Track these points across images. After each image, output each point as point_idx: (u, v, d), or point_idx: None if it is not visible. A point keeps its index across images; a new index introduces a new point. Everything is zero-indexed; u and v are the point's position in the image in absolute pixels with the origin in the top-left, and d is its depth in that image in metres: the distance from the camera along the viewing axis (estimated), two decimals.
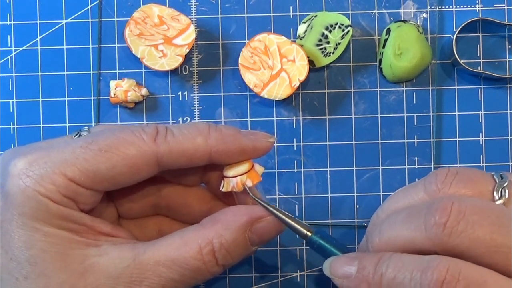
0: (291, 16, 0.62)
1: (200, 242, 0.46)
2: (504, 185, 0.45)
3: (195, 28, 0.62)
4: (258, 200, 0.48)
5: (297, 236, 0.49)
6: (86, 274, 0.44)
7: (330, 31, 0.61)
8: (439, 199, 0.43)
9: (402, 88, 0.62)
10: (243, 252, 0.48)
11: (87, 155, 0.45)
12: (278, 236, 0.53)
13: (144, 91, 0.62)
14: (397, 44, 0.60)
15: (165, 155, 0.46)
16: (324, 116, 0.62)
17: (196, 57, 0.63)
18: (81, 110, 0.62)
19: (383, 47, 0.61)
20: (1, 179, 0.45)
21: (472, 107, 0.62)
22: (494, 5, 0.62)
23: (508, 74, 0.61)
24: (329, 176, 0.62)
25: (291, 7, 0.62)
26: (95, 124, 0.62)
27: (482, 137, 0.62)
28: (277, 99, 0.60)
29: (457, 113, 0.62)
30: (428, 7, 0.62)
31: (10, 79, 0.62)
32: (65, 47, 0.62)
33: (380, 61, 0.61)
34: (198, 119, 0.62)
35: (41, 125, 0.62)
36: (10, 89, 0.62)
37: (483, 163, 0.62)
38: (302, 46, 0.61)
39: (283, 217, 0.48)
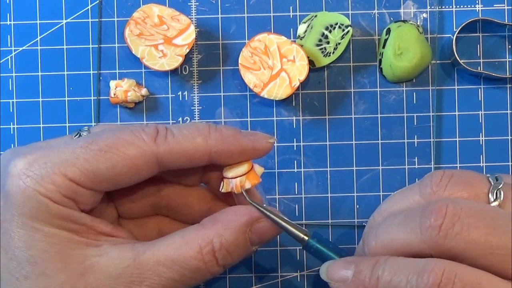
0: (291, 16, 0.62)
1: (200, 242, 0.46)
2: (499, 187, 0.45)
3: (195, 28, 0.62)
4: (254, 205, 0.48)
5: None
6: (86, 274, 0.44)
7: (330, 31, 0.61)
8: (434, 201, 0.43)
9: (402, 88, 0.62)
10: (243, 252, 0.48)
11: (87, 155, 0.45)
12: (278, 236, 0.53)
13: (144, 91, 0.62)
14: (397, 44, 0.60)
15: (165, 155, 0.46)
16: (324, 116, 0.62)
17: (196, 57, 0.63)
18: (81, 110, 0.62)
19: (383, 47, 0.61)
20: (1, 179, 0.45)
21: (472, 107, 0.62)
22: (494, 5, 0.62)
23: (508, 74, 0.61)
24: (329, 176, 0.62)
25: (291, 7, 0.62)
26: (95, 124, 0.62)
27: (482, 137, 0.62)
28: (277, 99, 0.60)
29: (457, 113, 0.62)
30: (428, 7, 0.62)
31: (10, 79, 0.62)
32: (65, 47, 0.62)
33: (380, 61, 0.61)
34: (198, 119, 0.62)
35: (41, 125, 0.62)
36: (10, 89, 0.62)
37: (483, 163, 0.62)
38: (302, 46, 0.61)
39: (280, 221, 0.48)
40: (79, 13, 0.62)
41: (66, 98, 0.62)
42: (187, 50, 0.60)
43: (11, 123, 0.62)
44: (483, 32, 0.62)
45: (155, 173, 0.47)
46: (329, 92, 0.62)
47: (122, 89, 0.61)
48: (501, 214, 0.42)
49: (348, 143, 0.62)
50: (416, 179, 0.62)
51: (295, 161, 0.62)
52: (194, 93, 0.62)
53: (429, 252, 0.42)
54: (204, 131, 0.47)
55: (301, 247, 0.55)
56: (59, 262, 0.44)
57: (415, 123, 0.62)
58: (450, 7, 0.62)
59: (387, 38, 0.61)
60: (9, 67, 0.62)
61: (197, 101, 0.62)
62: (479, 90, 0.62)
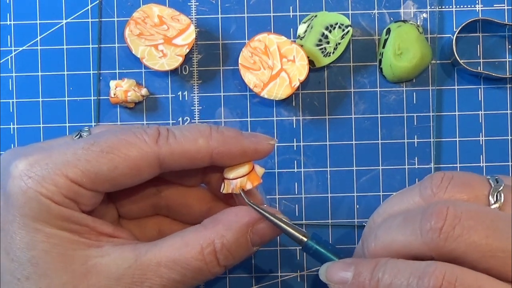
0: (291, 16, 0.62)
1: (201, 242, 0.46)
2: (499, 189, 0.45)
3: (195, 28, 0.62)
4: (253, 206, 0.48)
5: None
6: (88, 275, 0.44)
7: (330, 31, 0.61)
8: (434, 203, 0.43)
9: (402, 88, 0.62)
10: (245, 253, 0.48)
11: (89, 156, 0.44)
12: (278, 237, 0.53)
13: (144, 91, 0.62)
14: (397, 44, 0.60)
15: (166, 156, 0.46)
16: (324, 116, 0.62)
17: (196, 57, 0.63)
18: (81, 110, 0.62)
19: (383, 47, 0.61)
20: (2, 180, 0.45)
21: (472, 107, 0.62)
22: (494, 5, 0.62)
23: (508, 74, 0.61)
24: (329, 176, 0.62)
25: (291, 7, 0.62)
26: (95, 124, 0.62)
27: (482, 137, 0.62)
28: (277, 99, 0.60)
29: (457, 113, 0.62)
30: (428, 7, 0.62)
31: (10, 79, 0.62)
32: (65, 47, 0.62)
33: (380, 61, 0.61)
34: (198, 119, 0.62)
35: (41, 125, 0.62)
36: (10, 89, 0.62)
37: (483, 163, 0.62)
38: (302, 46, 0.61)
39: (278, 222, 0.48)
40: (79, 13, 0.62)
41: (66, 98, 0.62)
42: (187, 50, 0.60)
43: (11, 123, 0.62)
44: (483, 32, 0.62)
45: (157, 174, 0.47)
46: (329, 92, 0.62)
47: (122, 89, 0.61)
48: (501, 216, 0.42)
49: (348, 143, 0.62)
50: (416, 179, 0.62)
51: (295, 161, 0.62)
52: (194, 93, 0.62)
53: (429, 254, 0.42)
54: (205, 133, 0.47)
55: (301, 247, 0.55)
56: (61, 263, 0.44)
57: (415, 123, 0.62)
58: (450, 7, 0.62)
59: (387, 38, 0.61)
60: (9, 67, 0.62)
61: (197, 101, 0.62)
62: (479, 90, 0.62)
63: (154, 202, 0.53)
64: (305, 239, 0.49)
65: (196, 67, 0.62)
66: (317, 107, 0.62)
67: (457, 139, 0.62)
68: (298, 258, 0.62)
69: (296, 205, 0.62)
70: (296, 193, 0.62)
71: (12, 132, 0.62)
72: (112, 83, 0.61)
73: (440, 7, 0.62)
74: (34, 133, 0.62)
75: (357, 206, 0.62)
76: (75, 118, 0.62)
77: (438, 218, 0.42)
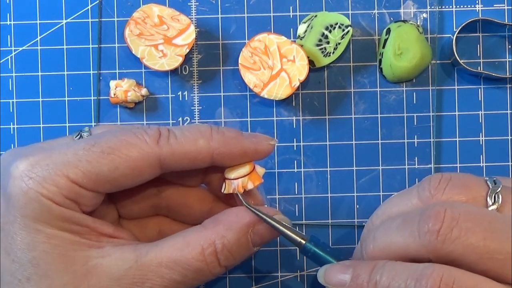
0: (291, 16, 0.62)
1: (202, 243, 0.46)
2: (497, 191, 0.45)
3: (195, 28, 0.62)
4: (252, 209, 0.48)
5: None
6: (89, 276, 0.44)
7: (330, 31, 0.61)
8: (432, 205, 0.43)
9: (402, 88, 0.62)
10: (245, 253, 0.48)
11: (89, 157, 0.44)
12: (278, 237, 0.53)
13: (144, 91, 0.62)
14: (397, 44, 0.60)
15: (167, 157, 0.46)
16: (324, 116, 0.62)
17: (196, 57, 0.63)
18: (81, 110, 0.62)
19: (383, 47, 0.61)
20: (2, 180, 0.45)
21: (472, 107, 0.62)
22: (494, 5, 0.62)
23: (508, 74, 0.61)
24: (329, 176, 0.62)
25: (291, 7, 0.62)
26: (95, 124, 0.62)
27: (482, 137, 0.62)
28: (277, 99, 0.60)
29: (457, 113, 0.62)
30: (428, 7, 0.62)
31: (10, 79, 0.62)
32: (65, 47, 0.62)
33: (380, 61, 0.61)
34: (198, 119, 0.62)
35: (41, 125, 0.62)
36: (10, 89, 0.62)
37: (483, 163, 0.62)
38: (302, 46, 0.61)
39: (277, 225, 0.48)
40: (79, 13, 0.62)
41: (66, 98, 0.62)
42: (187, 50, 0.60)
43: (11, 123, 0.62)
44: (483, 32, 0.62)
45: (157, 174, 0.47)
46: (329, 92, 0.62)
47: (122, 89, 0.61)
48: (499, 218, 0.42)
49: (348, 143, 0.62)
50: (416, 179, 0.62)
51: (295, 161, 0.62)
52: (194, 93, 0.62)
53: (427, 256, 0.42)
54: (206, 133, 0.47)
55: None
56: (61, 264, 0.44)
57: (415, 123, 0.62)
58: (450, 7, 0.62)
59: (387, 38, 0.61)
60: (9, 67, 0.62)
61: (197, 101, 0.62)
62: (479, 90, 0.62)
63: (155, 202, 0.53)
64: (303, 242, 0.49)
65: (196, 67, 0.62)
66: (317, 107, 0.62)
67: (457, 139, 0.62)
68: (298, 258, 0.62)
69: (296, 205, 0.62)
70: (296, 193, 0.62)
71: (12, 132, 0.62)
72: (112, 83, 0.61)
73: (440, 7, 0.62)
74: (34, 133, 0.62)
75: (357, 206, 0.62)
76: (75, 118, 0.62)
77: (436, 220, 0.42)
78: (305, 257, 0.61)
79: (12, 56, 0.62)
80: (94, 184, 0.45)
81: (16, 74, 0.62)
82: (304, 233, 0.49)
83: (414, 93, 0.62)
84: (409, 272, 0.42)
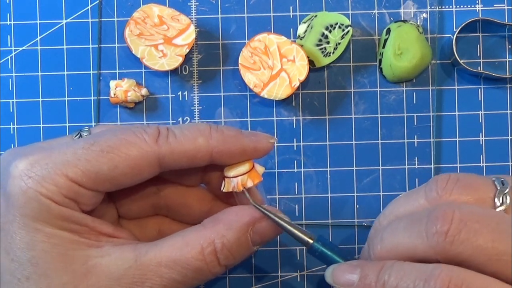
0: (291, 16, 0.62)
1: (202, 242, 0.46)
2: (505, 191, 0.44)
3: (195, 28, 0.62)
4: (258, 207, 0.48)
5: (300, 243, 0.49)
6: (88, 275, 0.44)
7: (330, 31, 0.61)
8: (439, 206, 0.43)
9: (402, 88, 0.62)
10: (245, 252, 0.48)
11: (89, 156, 0.44)
12: (278, 236, 0.53)
13: (144, 91, 0.62)
14: (397, 44, 0.60)
15: (166, 155, 0.46)
16: (324, 116, 0.62)
17: (196, 57, 0.63)
18: (81, 110, 0.62)
19: (383, 47, 0.61)
20: (2, 180, 0.45)
21: (472, 107, 0.62)
22: (494, 5, 0.62)
23: (508, 74, 0.61)
24: (329, 176, 0.62)
25: (291, 7, 0.62)
26: (95, 124, 0.62)
27: (482, 137, 0.62)
28: (277, 99, 0.60)
29: (457, 113, 0.62)
30: (428, 7, 0.62)
31: (10, 79, 0.62)
32: (65, 47, 0.62)
33: (380, 61, 0.61)
34: (198, 119, 0.62)
35: (41, 125, 0.62)
36: (10, 89, 0.62)
37: (483, 163, 0.62)
38: (302, 46, 0.61)
39: (284, 224, 0.48)
40: (79, 13, 0.62)
41: (66, 98, 0.62)
42: (187, 50, 0.60)
43: (11, 123, 0.62)
44: (483, 32, 0.62)
45: (157, 173, 0.47)
46: (329, 92, 0.62)
47: (122, 89, 0.61)
48: (506, 219, 0.42)
49: (348, 143, 0.62)
50: (416, 179, 0.62)
51: (295, 161, 0.62)
52: (194, 93, 0.62)
53: (435, 257, 0.42)
54: (205, 132, 0.47)
55: (301, 247, 0.55)
56: (61, 263, 0.44)
57: (415, 123, 0.62)
58: (450, 7, 0.62)
59: (387, 38, 0.61)
60: (9, 67, 0.62)
61: (197, 101, 0.62)
62: (479, 90, 0.62)
63: (154, 202, 0.53)
64: (311, 241, 0.49)
65: (196, 67, 0.62)
66: (317, 107, 0.62)
67: (457, 139, 0.62)
68: (298, 258, 0.62)
69: (296, 205, 0.62)
70: (296, 193, 0.62)
71: (12, 132, 0.62)
72: (112, 83, 0.61)
73: (440, 7, 0.62)
74: (34, 133, 0.62)
75: (357, 206, 0.62)
76: (75, 118, 0.62)
77: (444, 221, 0.41)
78: (305, 257, 0.61)
79: (12, 56, 0.62)
80: (93, 183, 0.45)
81: (16, 74, 0.62)
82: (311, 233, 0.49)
83: (414, 93, 0.62)
84: (418, 272, 0.42)
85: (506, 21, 0.61)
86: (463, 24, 0.60)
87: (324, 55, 0.61)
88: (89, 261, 0.45)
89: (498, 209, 0.44)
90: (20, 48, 0.62)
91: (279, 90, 0.60)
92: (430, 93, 0.62)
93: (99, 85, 0.62)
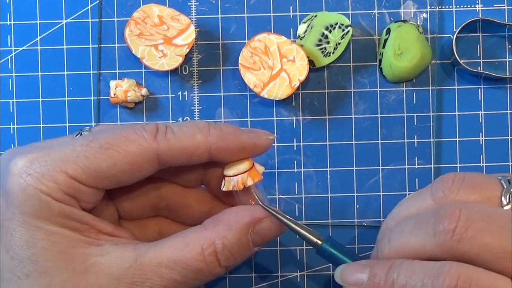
0: (291, 16, 0.62)
1: (202, 243, 0.46)
2: (511, 190, 0.45)
3: (195, 28, 0.62)
4: (266, 207, 0.48)
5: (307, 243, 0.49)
6: (88, 274, 0.44)
7: (330, 31, 0.61)
8: (446, 205, 0.43)
9: (402, 88, 0.62)
10: (246, 253, 0.48)
11: (88, 153, 0.45)
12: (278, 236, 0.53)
13: (144, 91, 0.62)
14: (397, 44, 0.60)
15: (165, 152, 0.46)
16: (324, 116, 0.62)
17: (196, 57, 0.63)
18: (81, 110, 0.62)
19: (383, 47, 0.61)
20: (2, 178, 0.45)
21: (472, 107, 0.62)
22: (494, 5, 0.62)
23: (508, 74, 0.61)
24: (329, 176, 0.62)
25: (291, 7, 0.62)
26: (95, 124, 0.62)
27: (482, 137, 0.62)
28: (277, 99, 0.60)
29: (457, 113, 0.62)
30: (428, 7, 0.62)
31: (10, 79, 0.62)
32: (65, 47, 0.62)
33: (380, 61, 0.61)
34: (198, 119, 0.62)
35: (41, 125, 0.62)
36: (10, 89, 0.62)
37: (483, 163, 0.62)
38: (302, 46, 0.61)
39: (293, 225, 0.48)
40: (79, 13, 0.62)
41: (66, 98, 0.62)
42: (187, 50, 0.60)
43: (11, 123, 0.62)
44: (483, 32, 0.62)
45: (156, 170, 0.47)
46: (329, 92, 0.62)
47: (122, 89, 0.61)
48: None
49: (348, 143, 0.62)
50: (416, 179, 0.62)
51: (295, 161, 0.62)
52: (194, 93, 0.62)
53: (442, 256, 0.42)
54: (204, 128, 0.47)
55: (301, 247, 0.55)
56: (61, 261, 0.44)
57: (415, 123, 0.62)
58: (450, 7, 0.62)
59: (387, 38, 0.61)
60: (9, 67, 0.62)
61: (197, 101, 0.62)
62: (479, 90, 0.62)
63: (155, 202, 0.53)
64: (319, 242, 0.48)
65: (196, 67, 0.62)
66: (317, 107, 0.62)
67: (457, 139, 0.62)
68: (298, 258, 0.62)
69: (296, 205, 0.62)
70: (296, 193, 0.62)
71: (12, 132, 0.62)
72: (112, 83, 0.61)
73: (440, 7, 0.62)
74: (34, 133, 0.62)
75: (357, 206, 0.62)
76: (75, 118, 0.62)
77: (451, 220, 0.42)
78: (305, 257, 0.61)
79: (12, 56, 0.62)
80: (93, 179, 0.45)
81: (16, 74, 0.62)
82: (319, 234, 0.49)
83: (414, 93, 0.62)
84: (426, 270, 0.42)
85: (506, 21, 0.61)
86: (463, 24, 0.60)
87: (324, 55, 0.61)
88: (88, 259, 0.45)
89: (505, 208, 0.44)
90: (20, 48, 0.62)
91: (279, 90, 0.60)
92: (430, 93, 0.62)
93: (99, 85, 0.62)
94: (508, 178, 0.45)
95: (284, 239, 0.61)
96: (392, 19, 0.62)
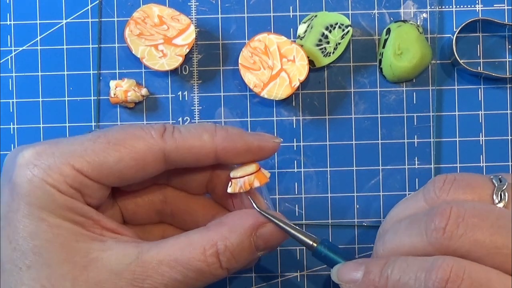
0: (291, 16, 0.62)
1: (204, 244, 0.46)
2: (503, 188, 0.45)
3: (195, 28, 0.62)
4: (261, 211, 0.48)
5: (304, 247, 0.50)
6: (89, 268, 0.45)
7: (330, 31, 0.61)
8: (438, 205, 0.44)
9: (402, 88, 0.62)
10: (248, 256, 0.48)
11: (95, 147, 0.45)
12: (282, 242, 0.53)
13: (144, 91, 0.62)
14: (397, 44, 0.60)
15: (172, 151, 0.47)
16: (324, 116, 0.62)
17: (196, 57, 0.63)
18: (81, 110, 0.62)
19: (383, 47, 0.61)
20: (9, 170, 0.45)
21: (472, 107, 0.62)
22: (494, 5, 0.62)
23: (508, 74, 0.61)
24: (329, 176, 0.62)
25: (291, 7, 0.62)
26: (95, 124, 0.62)
27: (482, 137, 0.62)
28: (277, 99, 0.60)
29: (457, 113, 0.62)
30: (428, 7, 0.62)
31: (10, 79, 0.62)
32: (65, 47, 0.62)
33: (380, 61, 0.61)
34: (198, 119, 0.62)
35: (41, 125, 0.62)
36: (10, 89, 0.62)
37: (483, 163, 0.62)
38: (302, 46, 0.61)
39: (287, 228, 0.49)
40: (79, 13, 0.62)
41: (66, 98, 0.62)
42: (187, 50, 0.60)
43: (11, 123, 0.62)
44: (483, 32, 0.62)
45: (162, 170, 0.48)
46: (329, 92, 0.62)
47: (122, 89, 0.61)
48: (505, 213, 0.43)
49: (348, 143, 0.62)
50: (416, 179, 0.62)
51: (295, 161, 0.62)
52: (194, 93, 0.62)
53: (435, 254, 0.43)
54: (210, 130, 0.48)
55: (301, 247, 0.55)
56: (63, 254, 0.44)
57: (415, 123, 0.62)
58: (450, 7, 0.62)
59: (387, 38, 0.61)
60: (9, 67, 0.62)
61: (197, 101, 0.62)
62: (479, 90, 0.62)
63: (159, 208, 0.53)
64: (315, 245, 0.49)
65: (196, 67, 0.62)
66: (317, 107, 0.62)
67: (457, 139, 0.62)
68: (298, 258, 0.62)
69: (296, 205, 0.62)
70: (296, 193, 0.62)
71: (12, 132, 0.62)
72: (112, 83, 0.61)
73: (440, 7, 0.62)
74: (34, 133, 0.62)
75: (357, 206, 0.62)
76: (75, 118, 0.62)
77: (442, 217, 0.42)
78: (305, 257, 0.61)
79: (12, 56, 0.62)
80: (98, 174, 0.45)
81: (16, 74, 0.62)
82: (315, 236, 0.49)
83: (414, 93, 0.62)
84: (420, 264, 0.42)
85: (506, 21, 0.61)
86: (463, 24, 0.60)
87: (324, 55, 0.61)
88: (90, 254, 0.45)
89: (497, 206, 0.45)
90: (20, 48, 0.62)
91: (279, 90, 0.60)
92: (430, 93, 0.62)
93: (99, 85, 0.62)
94: (500, 176, 0.46)
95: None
96: (392, 19, 0.62)
